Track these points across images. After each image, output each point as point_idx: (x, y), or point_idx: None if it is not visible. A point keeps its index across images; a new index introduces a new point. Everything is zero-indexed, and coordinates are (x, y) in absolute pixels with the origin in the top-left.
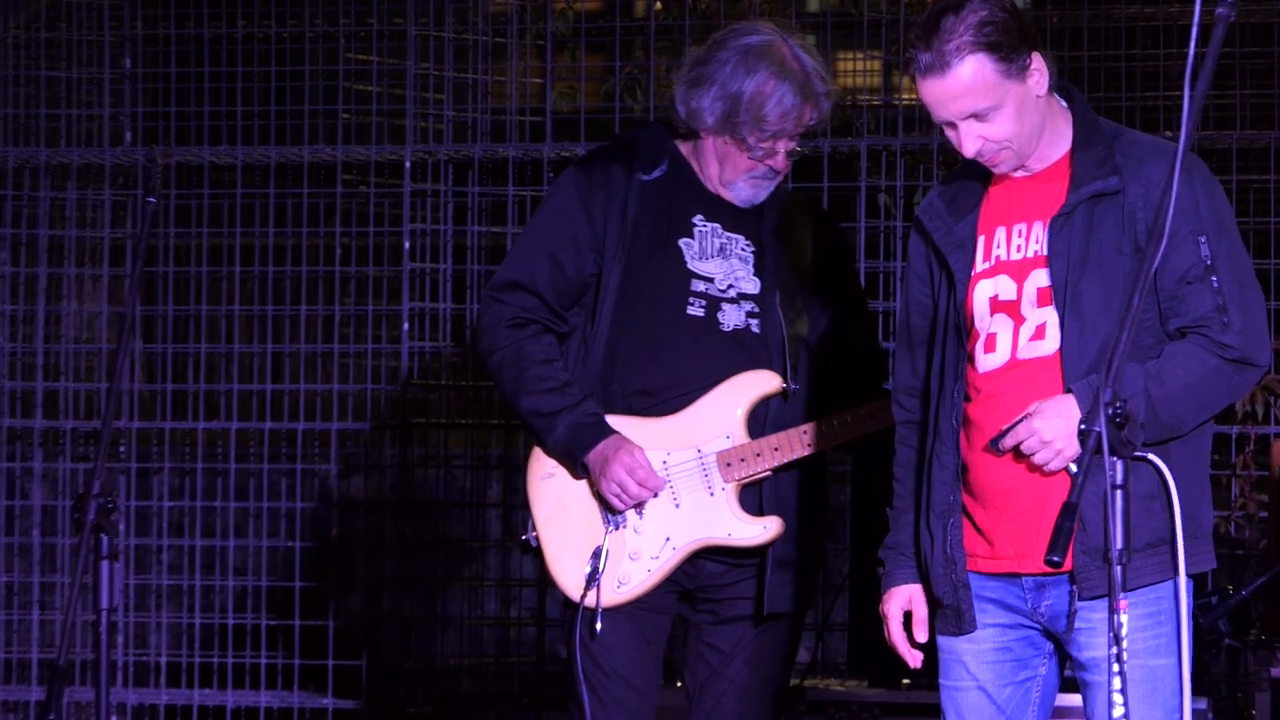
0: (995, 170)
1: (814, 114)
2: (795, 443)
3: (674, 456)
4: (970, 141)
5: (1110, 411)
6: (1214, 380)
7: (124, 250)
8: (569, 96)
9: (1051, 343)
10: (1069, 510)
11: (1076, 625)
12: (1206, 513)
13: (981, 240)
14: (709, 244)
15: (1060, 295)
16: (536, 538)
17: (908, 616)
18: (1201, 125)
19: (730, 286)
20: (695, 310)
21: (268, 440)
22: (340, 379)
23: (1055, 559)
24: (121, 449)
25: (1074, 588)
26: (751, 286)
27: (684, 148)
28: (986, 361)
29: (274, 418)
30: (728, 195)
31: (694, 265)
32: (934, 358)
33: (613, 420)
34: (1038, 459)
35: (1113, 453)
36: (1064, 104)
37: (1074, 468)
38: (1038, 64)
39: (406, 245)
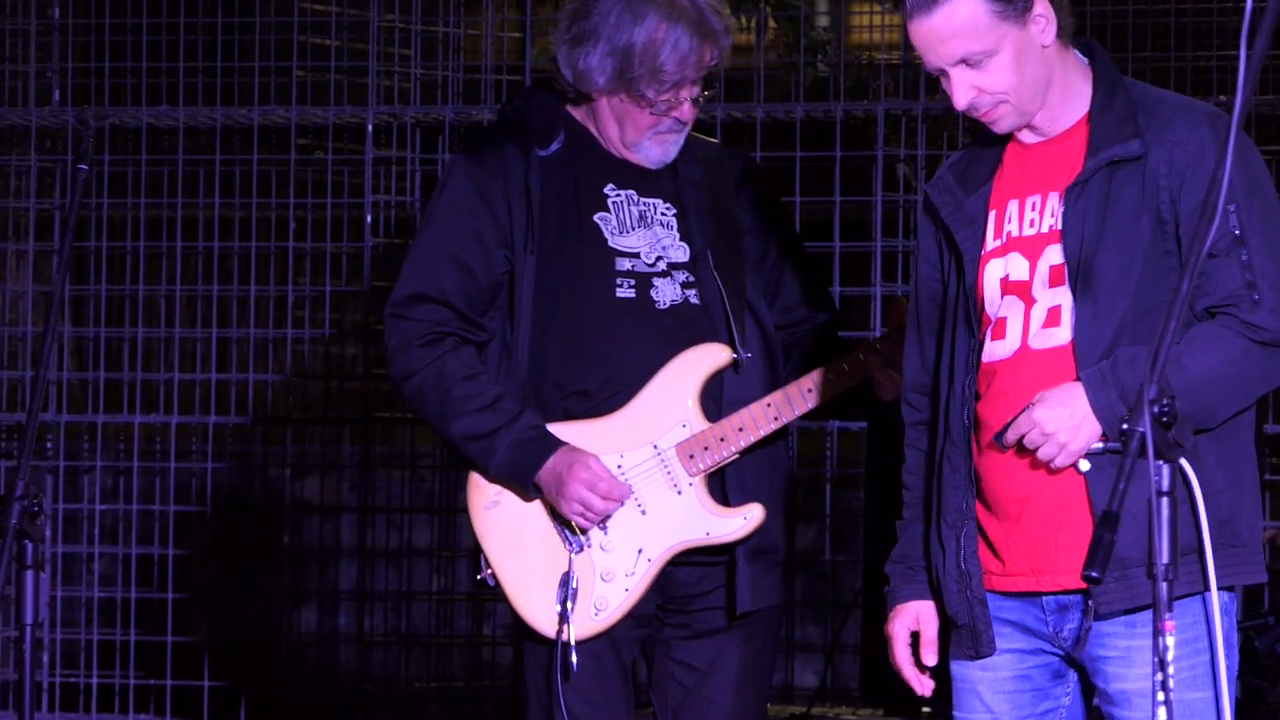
0: (995, 129)
1: (715, 53)
2: (760, 419)
3: (629, 458)
4: (962, 91)
5: (1156, 409)
6: (1243, 365)
7: (51, 223)
8: (550, 53)
9: (1065, 331)
10: (1109, 520)
11: (1103, 653)
12: (1249, 518)
13: (993, 215)
14: (627, 214)
15: (1074, 274)
16: (493, 575)
17: (915, 638)
18: (1259, 89)
19: (659, 259)
20: (625, 291)
21: (212, 436)
22: (294, 368)
23: (1094, 574)
24: (48, 445)
25: (1089, 603)
26: (681, 254)
27: (576, 113)
28: (995, 350)
29: (219, 411)
30: (634, 157)
31: (615, 242)
32: (944, 349)
33: (553, 429)
34: (1041, 454)
35: (1158, 455)
36: (1084, 60)
37: (1085, 464)
38: (1043, 8)
39: (369, 219)
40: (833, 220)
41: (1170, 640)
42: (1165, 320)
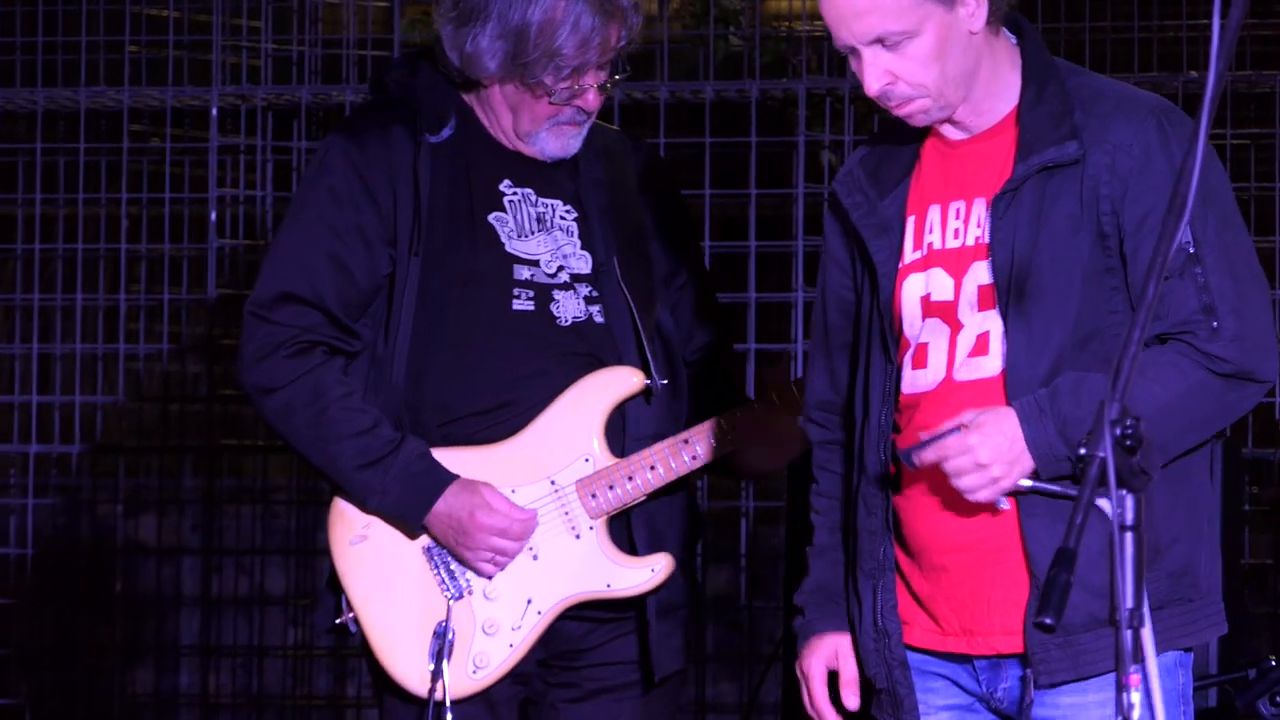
0: (911, 124)
1: (622, 34)
2: (676, 457)
3: (522, 494)
4: (875, 75)
5: (1119, 431)
6: (1199, 399)
7: None
8: (423, 25)
9: (995, 360)
10: (1065, 559)
11: (1051, 714)
12: (1207, 565)
13: (911, 222)
14: (525, 216)
15: (1003, 296)
16: (355, 620)
17: (834, 677)
18: (1235, 63)
19: (560, 268)
20: (523, 304)
21: (32, 467)
22: (128, 389)
23: (1047, 621)
24: None
25: (1027, 672)
26: (583, 264)
27: (467, 96)
28: (916, 380)
29: (41, 439)
30: (529, 150)
31: (513, 247)
32: (858, 370)
33: (435, 455)
34: (963, 484)
35: (1122, 484)
36: (1013, 40)
37: (1004, 503)
38: None
39: (213, 216)
40: (748, 216)
41: (1136, 697)
42: (1130, 329)
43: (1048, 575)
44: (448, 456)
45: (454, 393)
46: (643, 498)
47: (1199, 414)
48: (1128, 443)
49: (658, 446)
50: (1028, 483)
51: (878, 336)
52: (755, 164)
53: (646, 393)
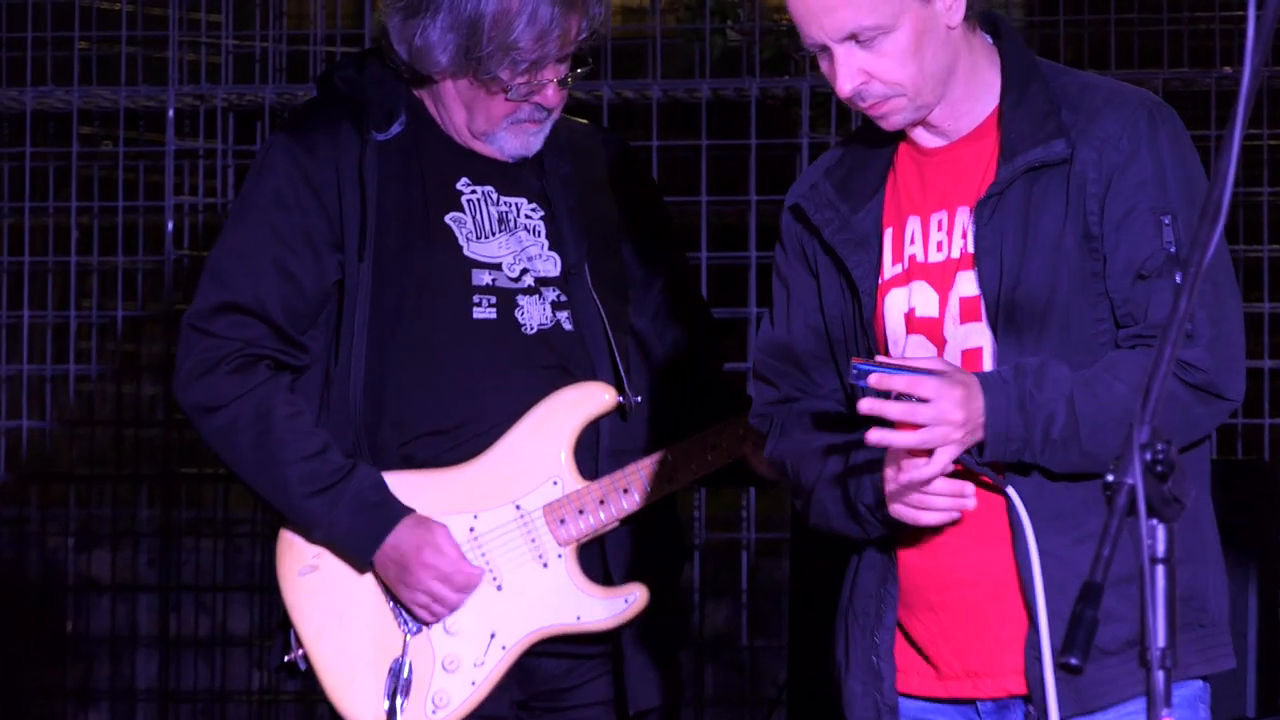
0: (883, 124)
1: (584, 24)
2: (650, 480)
3: (485, 520)
4: (848, 74)
5: (1149, 457)
6: (1165, 407)
7: None
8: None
9: None
10: (1092, 593)
11: None
12: (1215, 590)
13: (889, 235)
14: (485, 216)
15: (992, 309)
16: (305, 656)
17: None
18: (1272, 58)
19: (525, 271)
20: (484, 312)
21: None
22: (78, 412)
23: (1073, 662)
24: None
25: (1028, 709)
26: (550, 267)
27: (419, 92)
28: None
29: None
30: (486, 150)
31: (472, 250)
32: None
33: (391, 480)
34: (918, 439)
35: (1153, 513)
36: (989, 41)
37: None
38: None
39: (170, 226)
40: (747, 224)
41: None
42: (1160, 346)
43: (1073, 611)
44: (403, 481)
45: (412, 409)
46: (615, 524)
47: (1163, 422)
48: (1158, 468)
49: (632, 467)
50: (967, 457)
51: (862, 355)
52: (755, 168)
53: (621, 411)
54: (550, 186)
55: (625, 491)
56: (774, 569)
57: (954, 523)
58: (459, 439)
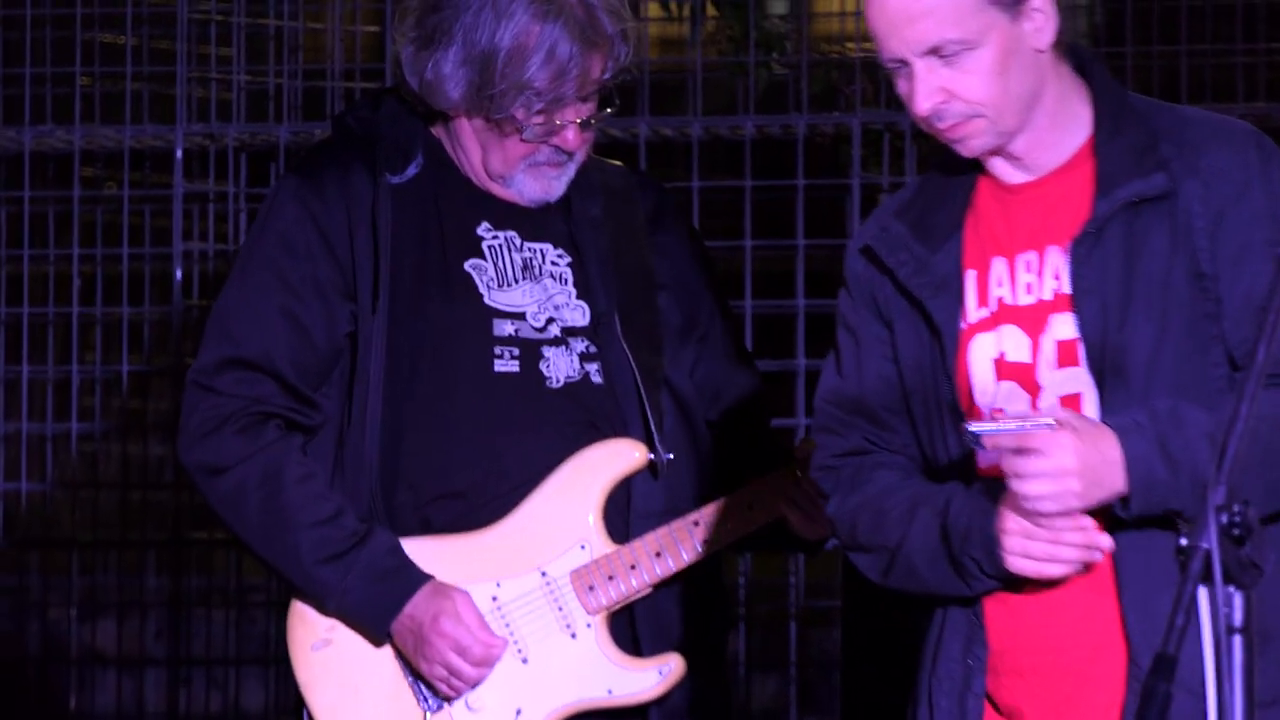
0: (960, 149)
1: (607, 64)
2: (685, 541)
3: (509, 588)
4: (927, 91)
5: (1225, 519)
6: (1269, 462)
7: None
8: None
9: None
10: (1164, 666)
11: None
12: None
13: (972, 277)
14: (508, 262)
15: (1095, 353)
16: None
17: None
18: None
19: (550, 321)
20: (506, 364)
21: None
22: (81, 474)
23: None
24: None
25: None
26: (579, 316)
27: (437, 131)
28: (990, 453)
29: None
30: (505, 194)
31: (494, 299)
32: (924, 447)
33: (409, 546)
34: (1035, 488)
35: (1229, 580)
36: (1074, 72)
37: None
38: (1042, 1)
39: (178, 274)
40: (794, 270)
41: None
42: (1237, 401)
43: (1144, 685)
44: (422, 547)
45: (429, 470)
46: (648, 590)
47: (1265, 479)
48: (1235, 531)
49: (665, 529)
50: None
51: (947, 407)
52: (803, 210)
53: (653, 469)
54: (578, 230)
55: (658, 555)
56: (824, 640)
57: (1054, 581)
58: (479, 501)
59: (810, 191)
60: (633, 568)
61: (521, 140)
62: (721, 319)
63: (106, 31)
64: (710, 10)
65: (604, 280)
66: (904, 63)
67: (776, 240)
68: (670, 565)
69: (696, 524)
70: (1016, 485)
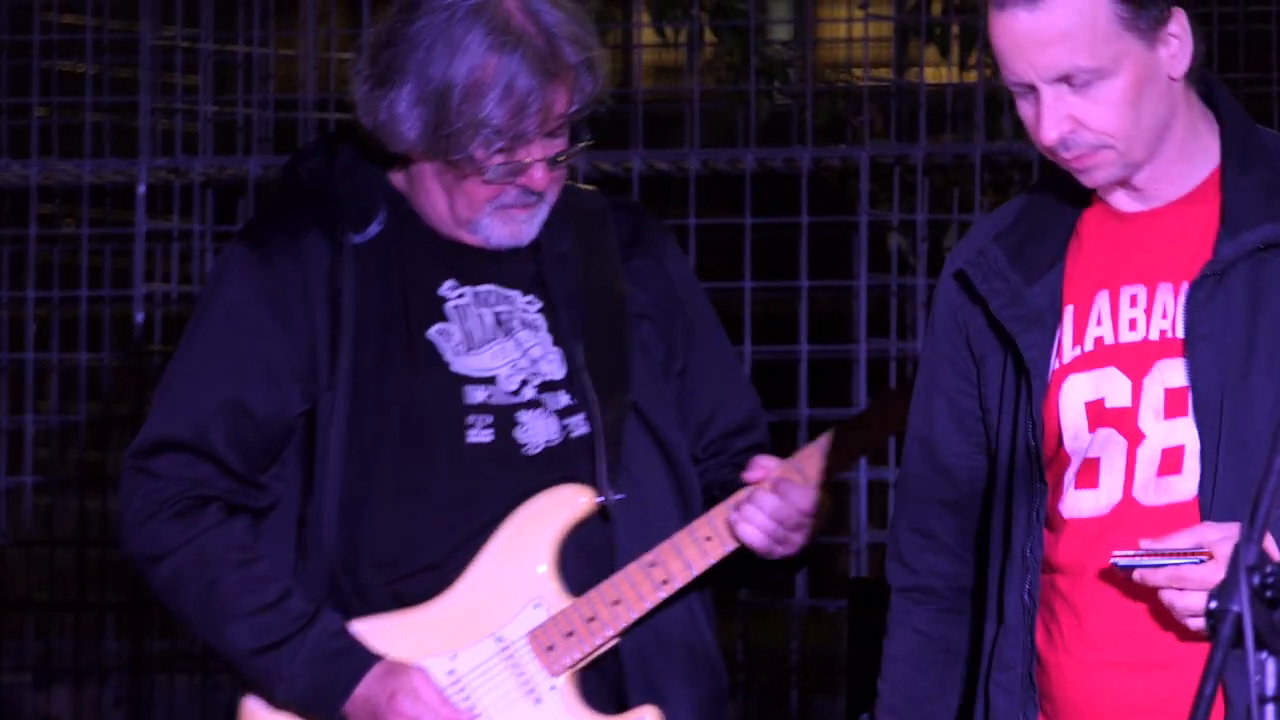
0: (1085, 179)
1: (572, 97)
2: (642, 584)
3: (464, 659)
4: (1054, 120)
5: (1257, 581)
6: None
7: None
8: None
9: (1189, 481)
10: None
11: None
12: None
13: (1070, 312)
14: (476, 324)
15: (1208, 403)
16: None
17: None
18: None
19: (524, 383)
20: (480, 434)
21: None
22: (35, 530)
23: None
24: None
25: None
26: (556, 367)
27: (396, 178)
28: (1081, 502)
29: None
30: (474, 240)
31: (461, 365)
32: (994, 494)
33: (357, 628)
34: (1195, 625)
35: (1260, 645)
36: (1201, 100)
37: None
38: (1179, 27)
39: (139, 317)
40: (798, 312)
41: None
42: (1271, 454)
43: None
44: (370, 627)
45: (402, 545)
46: (613, 640)
47: None
48: (1268, 594)
49: (620, 575)
50: None
51: (1024, 453)
52: (808, 249)
53: (604, 511)
54: (547, 271)
55: (616, 604)
56: (827, 708)
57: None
58: (454, 572)
59: (815, 229)
60: (591, 620)
61: (484, 182)
62: (708, 345)
63: (65, 60)
64: (708, 36)
65: (572, 321)
66: (1030, 87)
67: (778, 281)
68: (631, 613)
69: (653, 564)
70: (1179, 618)
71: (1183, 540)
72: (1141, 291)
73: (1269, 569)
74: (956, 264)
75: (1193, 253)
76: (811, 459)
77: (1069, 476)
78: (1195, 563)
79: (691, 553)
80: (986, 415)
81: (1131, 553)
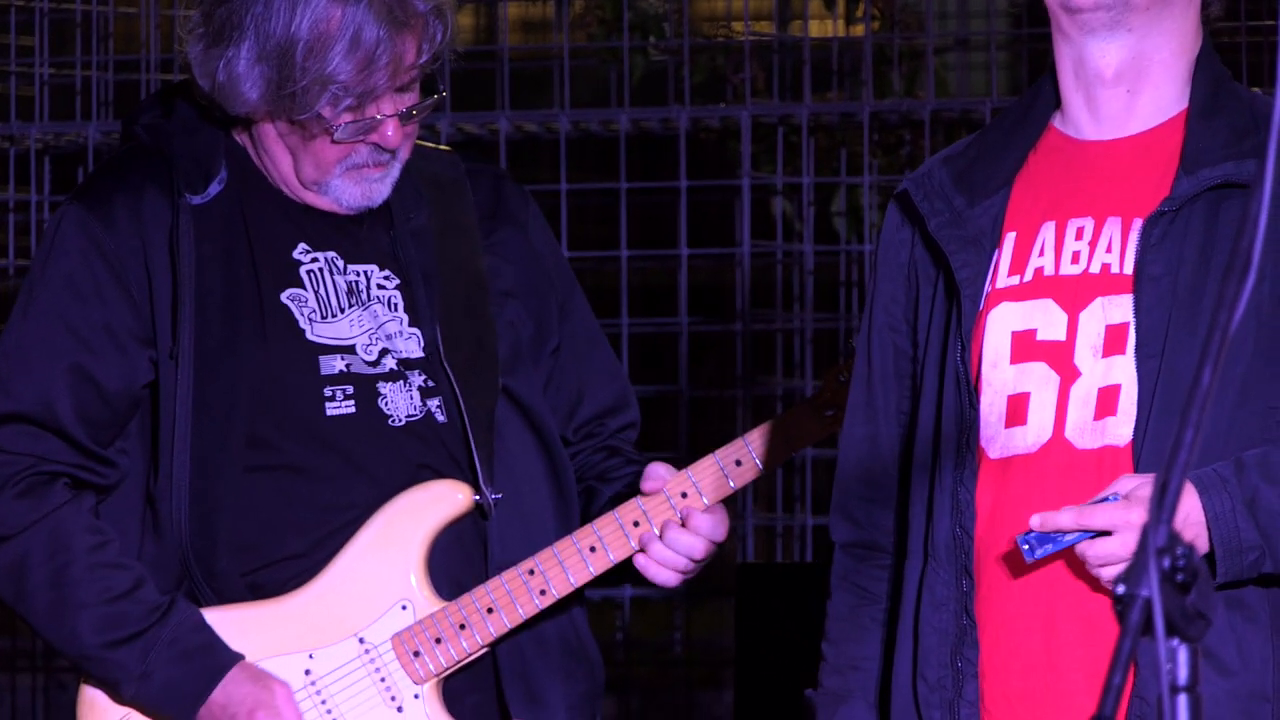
0: (1081, 12)
1: (422, 46)
2: (519, 593)
3: (322, 659)
4: None
5: (1167, 564)
6: None
7: None
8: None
9: (1124, 425)
10: None
11: None
12: None
13: (1012, 240)
14: (331, 289)
15: (1150, 343)
16: None
17: None
18: None
19: (385, 353)
20: (340, 406)
21: None
22: None
23: None
24: None
25: None
26: (413, 346)
27: (240, 137)
28: (1011, 440)
29: None
30: (321, 202)
31: (317, 332)
32: (918, 422)
33: (211, 617)
34: (1111, 573)
35: (1173, 632)
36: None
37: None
38: None
39: None
40: (677, 284)
41: None
42: (1181, 427)
43: None
44: (225, 618)
45: (261, 530)
46: (482, 650)
47: None
48: (1179, 577)
49: (497, 581)
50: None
51: (952, 378)
52: (686, 215)
53: (482, 510)
54: (402, 246)
55: (490, 612)
56: (713, 702)
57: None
58: (321, 560)
59: (694, 194)
60: (462, 627)
61: (333, 142)
62: (577, 324)
63: None
64: None
65: (429, 300)
66: None
67: (656, 250)
68: (505, 622)
69: (532, 572)
70: (1095, 572)
71: (1093, 518)
72: (1089, 224)
73: (1179, 551)
74: (908, 180)
75: (1147, 189)
76: (707, 471)
77: (995, 412)
78: (1101, 499)
79: (574, 562)
80: (916, 350)
81: (1033, 537)
